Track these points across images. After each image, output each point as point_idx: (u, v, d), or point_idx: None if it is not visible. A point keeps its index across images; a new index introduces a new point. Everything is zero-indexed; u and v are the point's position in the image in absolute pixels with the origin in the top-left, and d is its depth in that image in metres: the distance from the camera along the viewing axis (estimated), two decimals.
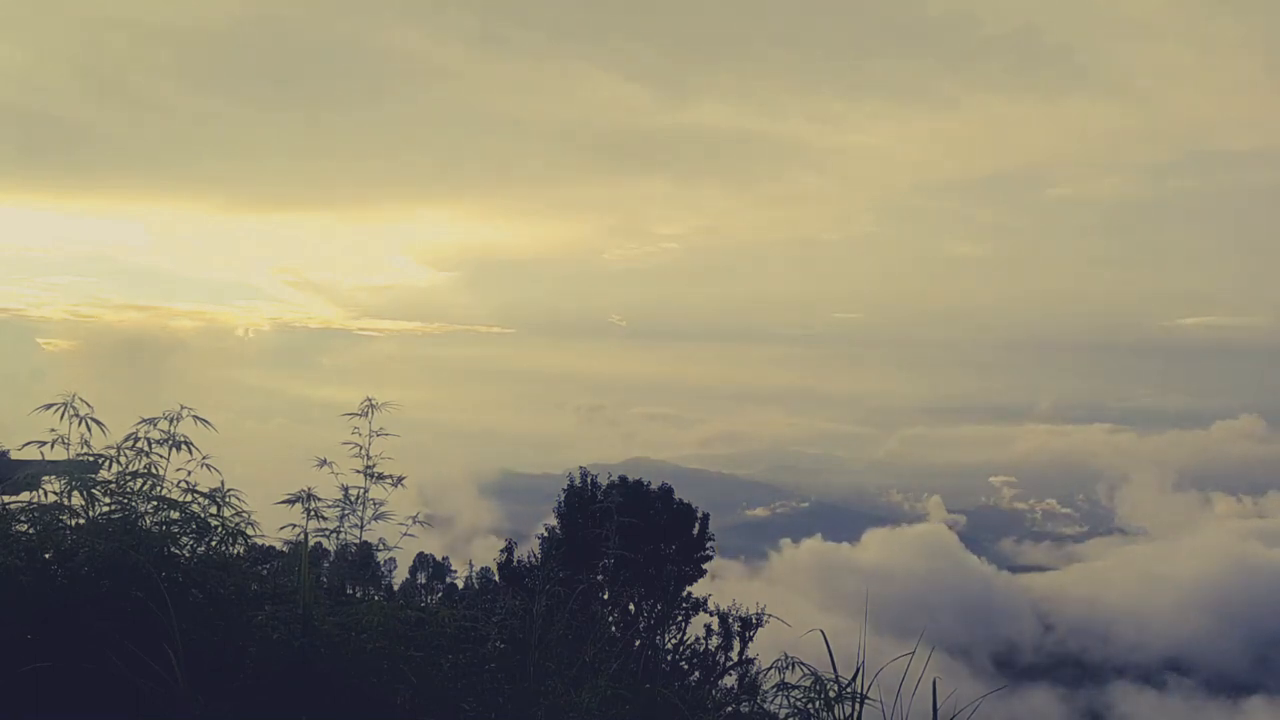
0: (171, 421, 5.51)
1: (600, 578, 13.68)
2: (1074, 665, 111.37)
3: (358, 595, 6.37)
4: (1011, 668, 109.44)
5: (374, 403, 5.92)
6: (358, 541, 5.97)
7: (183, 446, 5.50)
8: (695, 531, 16.29)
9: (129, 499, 5.33)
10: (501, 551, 15.67)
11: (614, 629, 13.65)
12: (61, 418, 5.32)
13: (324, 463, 5.85)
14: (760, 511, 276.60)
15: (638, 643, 13.60)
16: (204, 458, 5.54)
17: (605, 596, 14.22)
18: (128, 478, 5.40)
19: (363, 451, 5.88)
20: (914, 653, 4.89)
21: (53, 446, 5.33)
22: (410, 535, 6.15)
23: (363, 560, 6.24)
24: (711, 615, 14.29)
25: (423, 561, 15.49)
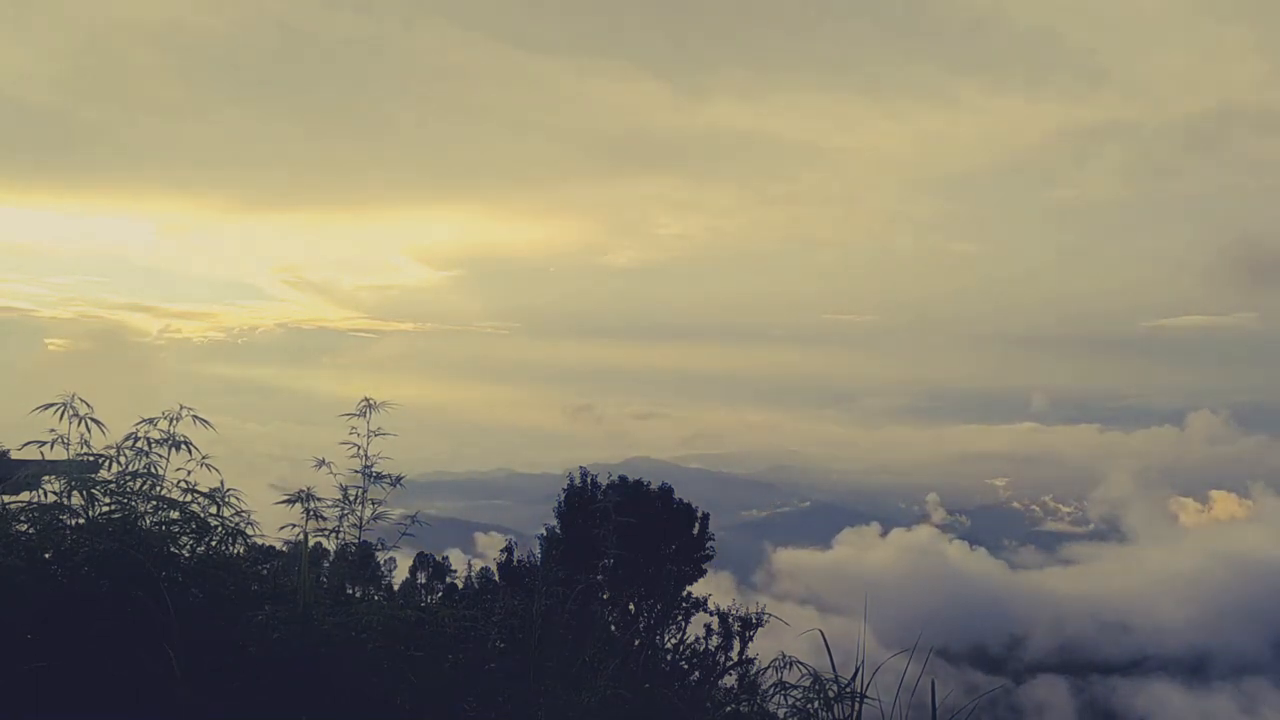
0: (171, 421, 5.51)
1: (600, 578, 13.68)
2: (1078, 662, 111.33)
3: (358, 595, 6.37)
4: (1014, 666, 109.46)
5: (372, 402, 5.92)
6: (357, 541, 5.97)
7: (182, 446, 5.51)
8: (695, 531, 16.28)
9: (129, 499, 5.33)
10: (501, 551, 15.66)
11: (614, 629, 13.65)
12: (61, 418, 5.33)
13: (322, 463, 5.85)
14: (760, 512, 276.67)
15: (638, 643, 13.60)
16: (204, 457, 5.55)
17: (605, 596, 14.21)
18: (127, 478, 5.41)
19: (361, 451, 5.87)
20: (913, 652, 4.90)
21: (52, 446, 5.33)
22: (409, 535, 6.16)
23: (363, 560, 6.24)
24: (711, 615, 14.28)
25: (423, 561, 15.47)
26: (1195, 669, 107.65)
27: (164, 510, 5.42)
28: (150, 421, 5.51)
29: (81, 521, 5.21)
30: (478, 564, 15.49)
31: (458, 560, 16.08)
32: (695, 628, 14.53)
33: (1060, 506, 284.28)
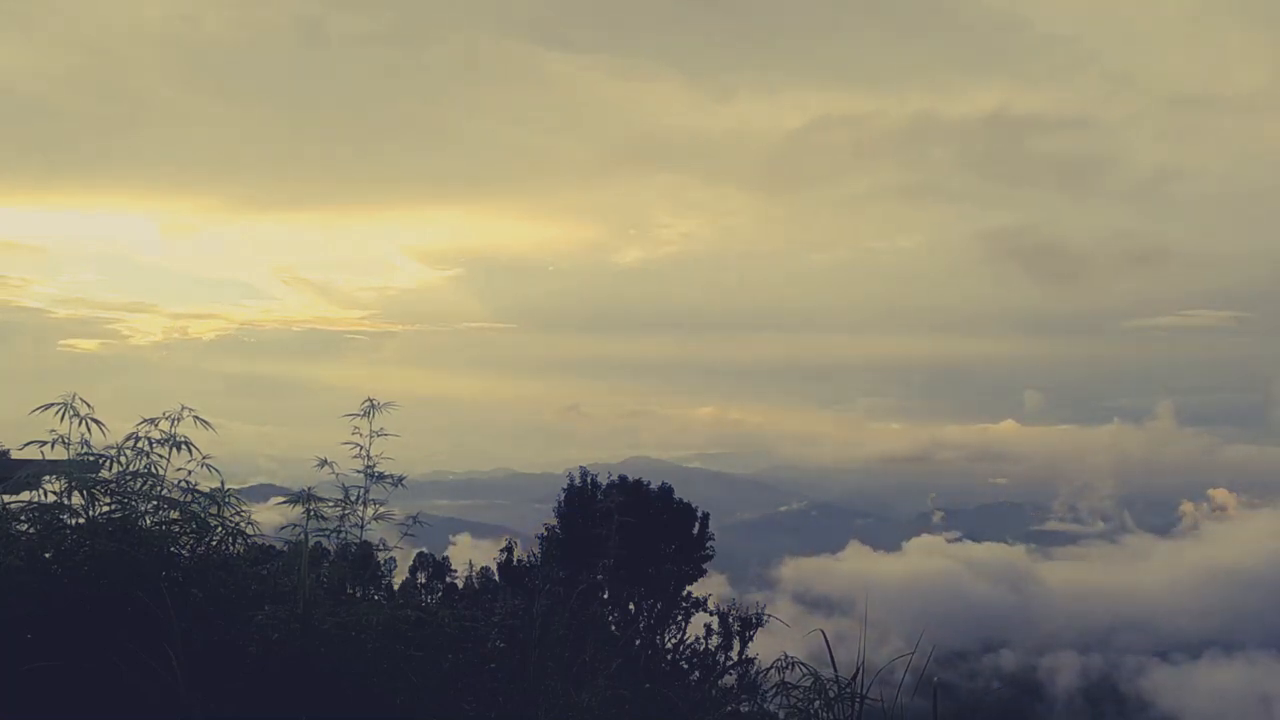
0: (172, 422, 5.50)
1: (600, 577, 13.68)
2: (1081, 656, 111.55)
3: (358, 595, 6.37)
4: (1015, 664, 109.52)
5: (375, 402, 5.91)
6: (358, 541, 5.96)
7: (183, 447, 5.50)
8: (695, 531, 16.27)
9: (129, 499, 5.33)
10: (501, 551, 15.64)
11: (614, 629, 13.64)
12: (61, 418, 5.32)
13: (324, 462, 5.84)
14: (759, 512, 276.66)
15: (638, 642, 13.59)
16: (204, 458, 5.54)
17: (605, 596, 14.21)
18: (128, 478, 5.40)
19: (364, 451, 5.86)
20: (914, 652, 4.90)
21: (53, 446, 5.32)
22: (410, 535, 6.15)
23: (363, 560, 6.24)
24: (711, 615, 14.28)
25: (423, 561, 15.46)
26: (1198, 656, 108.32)
27: (164, 510, 5.41)
28: (151, 422, 5.50)
29: (82, 521, 5.20)
30: (478, 563, 15.49)
31: (458, 560, 16.07)
32: (695, 628, 14.54)
33: (1060, 505, 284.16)
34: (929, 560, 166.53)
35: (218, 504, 5.54)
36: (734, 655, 13.65)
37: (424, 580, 15.17)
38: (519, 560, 15.35)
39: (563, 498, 15.93)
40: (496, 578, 14.94)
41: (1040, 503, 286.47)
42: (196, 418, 5.54)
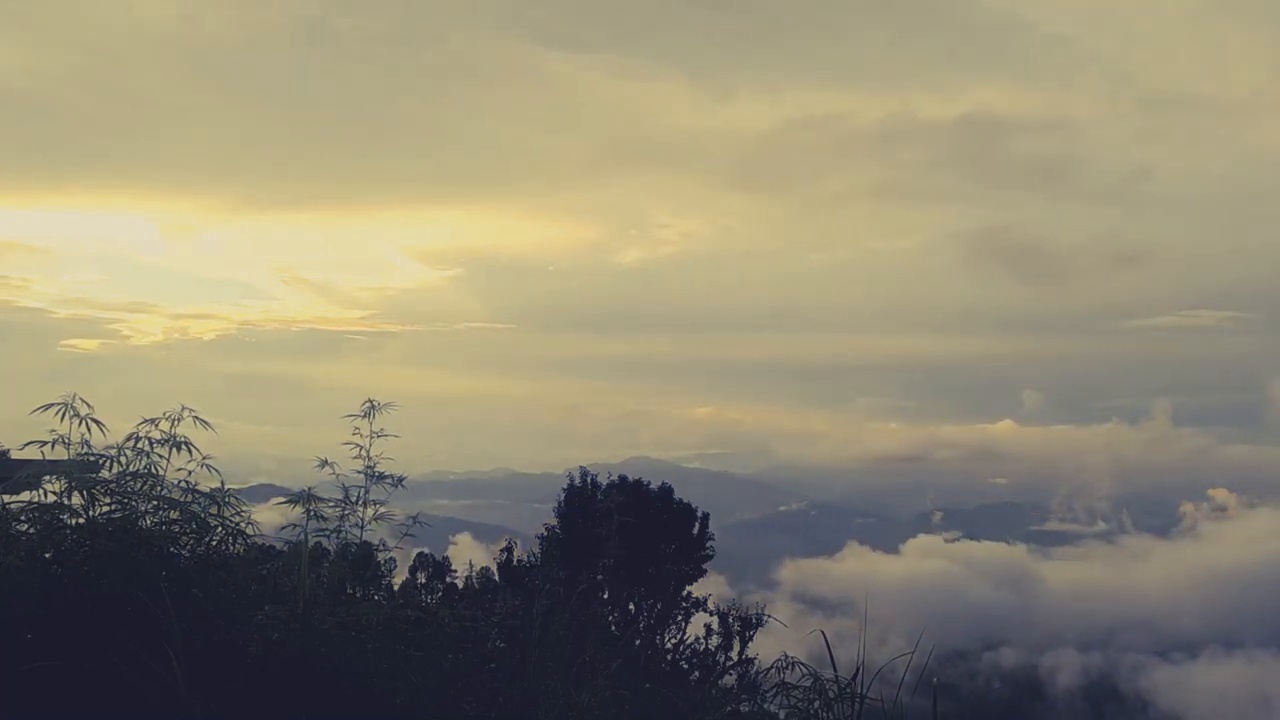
0: (172, 422, 5.51)
1: (600, 577, 13.68)
2: (1081, 655, 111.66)
3: (358, 595, 6.37)
4: (1016, 663, 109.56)
5: (375, 403, 5.91)
6: (358, 541, 5.97)
7: (183, 447, 5.50)
8: (695, 531, 16.28)
9: (129, 499, 5.33)
10: (501, 551, 15.65)
11: (614, 629, 13.64)
12: (62, 418, 5.32)
13: (324, 463, 5.85)
14: (760, 512, 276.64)
15: (638, 642, 13.59)
16: (204, 458, 5.54)
17: (605, 596, 14.21)
18: (128, 478, 5.40)
19: (364, 452, 5.86)
20: (914, 652, 4.90)
21: (53, 446, 5.33)
22: (411, 535, 6.15)
23: (363, 560, 6.24)
24: (711, 615, 14.29)
25: (423, 561, 15.45)
26: (1198, 655, 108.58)
27: (164, 510, 5.41)
28: (151, 422, 5.50)
29: (82, 521, 5.21)
30: (478, 563, 15.49)
31: (458, 560, 16.07)
32: (695, 628, 14.54)
33: (1059, 506, 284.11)
34: (929, 560, 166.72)
35: (218, 504, 5.54)
36: (734, 655, 13.65)
37: (424, 580, 15.16)
38: (519, 560, 15.35)
39: (563, 498, 15.93)
40: (496, 578, 14.93)
41: (1040, 503, 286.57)
42: (196, 418, 5.54)
